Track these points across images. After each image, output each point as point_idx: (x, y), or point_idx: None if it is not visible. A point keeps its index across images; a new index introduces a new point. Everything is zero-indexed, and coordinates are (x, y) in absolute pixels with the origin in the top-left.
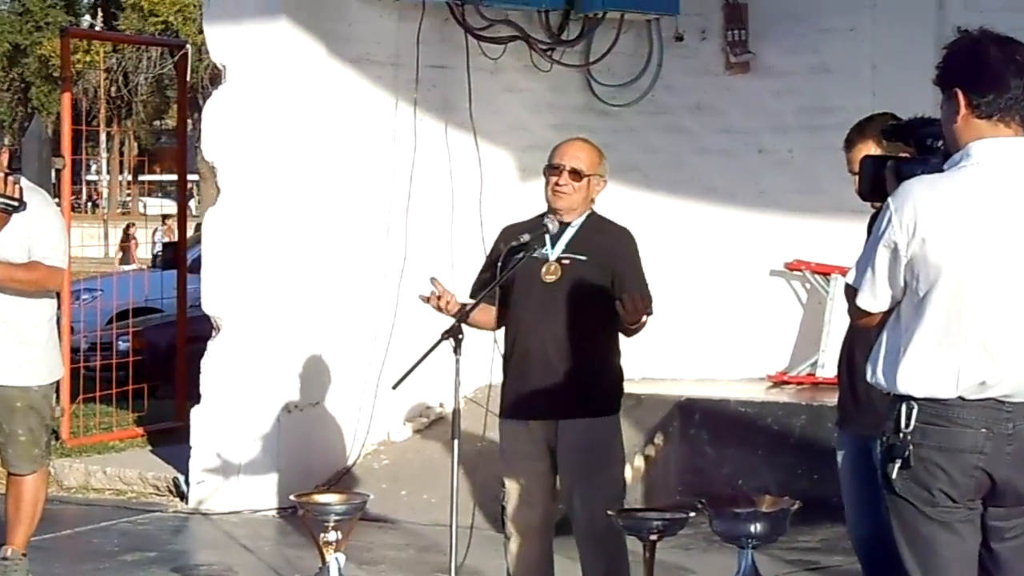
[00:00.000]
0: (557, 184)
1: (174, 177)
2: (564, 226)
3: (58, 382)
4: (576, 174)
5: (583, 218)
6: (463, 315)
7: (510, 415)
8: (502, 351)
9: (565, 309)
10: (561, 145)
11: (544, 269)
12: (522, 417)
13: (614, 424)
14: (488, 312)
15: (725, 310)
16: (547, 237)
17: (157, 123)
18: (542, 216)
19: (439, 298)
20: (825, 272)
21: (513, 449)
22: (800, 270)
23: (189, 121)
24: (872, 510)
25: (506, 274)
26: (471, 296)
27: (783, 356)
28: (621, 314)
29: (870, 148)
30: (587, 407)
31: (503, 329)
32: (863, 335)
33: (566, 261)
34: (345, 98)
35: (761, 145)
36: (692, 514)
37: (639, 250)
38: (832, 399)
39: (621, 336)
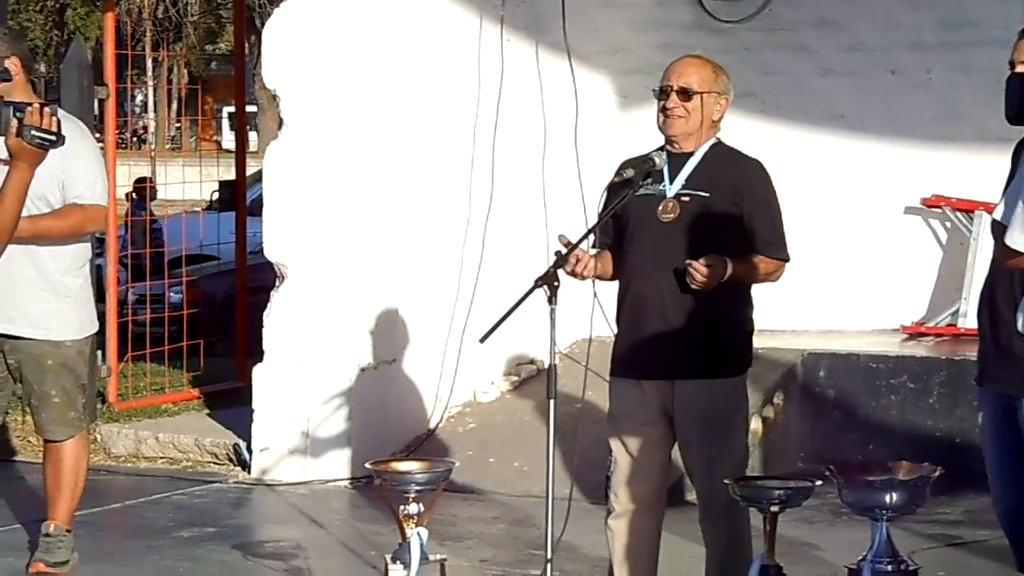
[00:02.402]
0: (665, 108)
1: (230, 108)
2: (684, 157)
3: (100, 339)
4: (685, 93)
5: (706, 147)
6: (559, 261)
7: (621, 373)
8: (605, 301)
9: (685, 252)
10: (670, 65)
11: (661, 207)
12: (634, 376)
13: (739, 387)
14: (605, 260)
15: (854, 253)
16: (664, 171)
17: (210, 47)
18: (660, 148)
19: (575, 260)
20: (968, 208)
21: (623, 412)
22: (939, 206)
23: (247, 44)
24: (1018, 478)
25: (606, 215)
26: (594, 244)
27: (920, 304)
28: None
29: None
30: (708, 367)
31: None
32: (1005, 278)
33: (686, 198)
34: (423, 16)
35: (894, 65)
36: (818, 483)
37: (774, 186)
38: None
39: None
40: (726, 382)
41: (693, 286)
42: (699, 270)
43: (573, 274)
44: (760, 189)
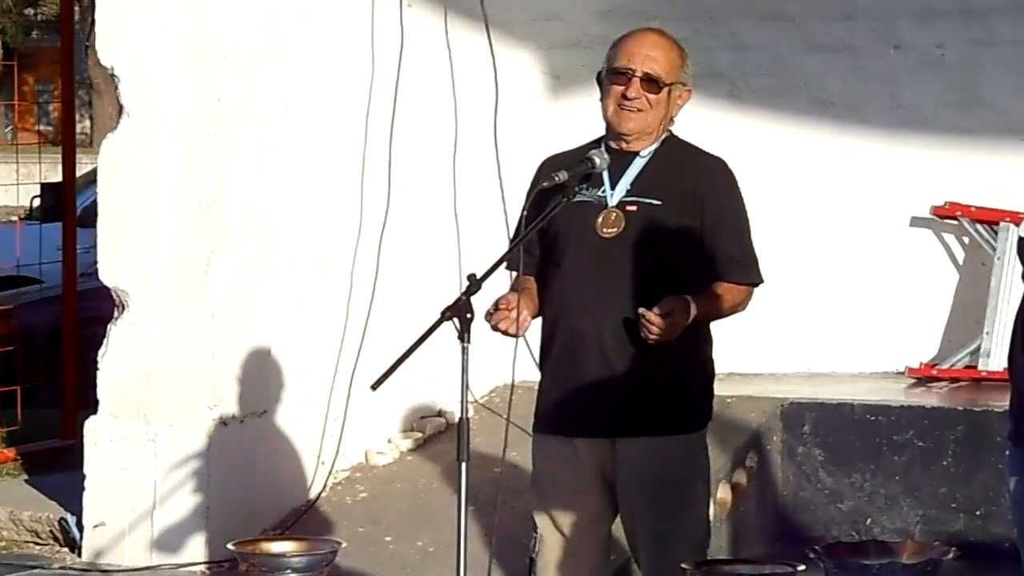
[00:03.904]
0: (625, 97)
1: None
2: (630, 156)
3: None
4: (653, 83)
5: (656, 144)
6: (473, 287)
7: (548, 429)
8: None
9: (631, 277)
10: (627, 41)
11: (601, 219)
12: (565, 433)
13: (698, 446)
14: (530, 296)
15: (848, 277)
16: (604, 173)
17: (29, 11)
18: (597, 142)
19: (504, 311)
20: (991, 220)
21: (551, 478)
22: (955, 217)
23: (76, 8)
24: None
25: (531, 229)
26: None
27: (931, 341)
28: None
29: None
30: (660, 421)
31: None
32: None
33: (632, 207)
34: None
35: (898, 38)
36: (800, 568)
37: (741, 192)
38: (1002, 401)
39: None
40: (682, 440)
41: (650, 341)
42: (653, 322)
43: (500, 331)
44: (725, 196)
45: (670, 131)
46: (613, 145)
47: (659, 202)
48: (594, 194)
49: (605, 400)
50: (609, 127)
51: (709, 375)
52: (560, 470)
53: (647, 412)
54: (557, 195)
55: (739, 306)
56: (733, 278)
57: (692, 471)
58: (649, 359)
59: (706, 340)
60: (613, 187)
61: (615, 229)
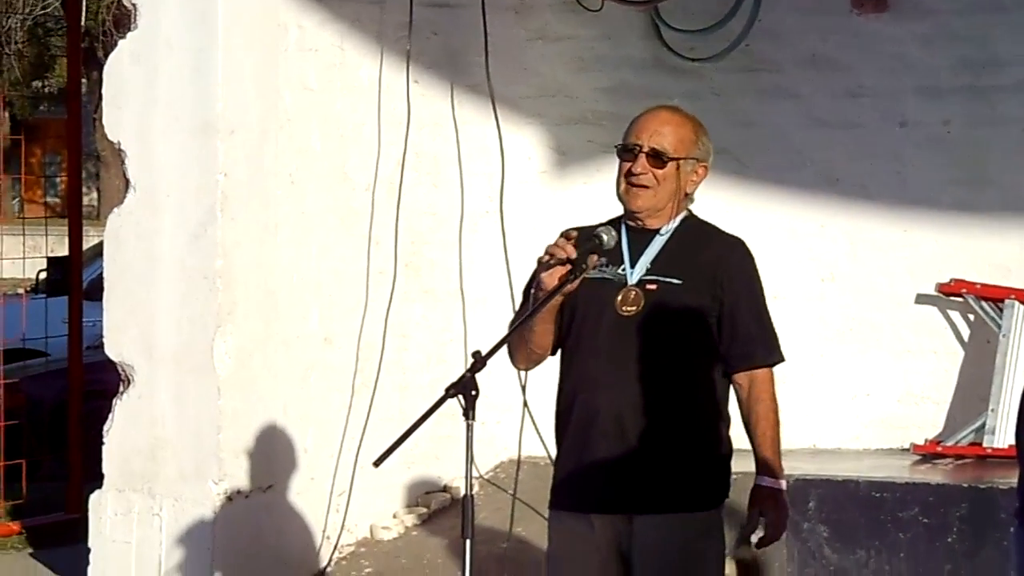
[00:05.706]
0: (631, 173)
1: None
2: (649, 234)
3: None
4: (657, 157)
5: (676, 222)
6: (479, 364)
7: (564, 505)
8: (537, 413)
9: (649, 355)
10: (639, 118)
11: (620, 297)
12: (582, 509)
13: (715, 524)
14: (546, 332)
15: (853, 354)
16: (624, 252)
17: (37, 84)
18: (618, 220)
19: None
20: (996, 297)
21: (566, 555)
22: (960, 295)
23: (84, 82)
24: None
25: (539, 305)
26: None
27: (936, 418)
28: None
29: None
30: (676, 498)
31: (558, 386)
32: None
33: (652, 286)
34: (308, 51)
35: (905, 115)
36: None
37: (758, 270)
38: (1007, 479)
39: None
40: (699, 517)
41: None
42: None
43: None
44: (744, 276)
45: (689, 210)
46: (630, 223)
47: (679, 281)
48: (614, 272)
49: (621, 476)
50: (622, 205)
51: (726, 453)
52: (575, 546)
53: (664, 489)
54: (571, 273)
55: (774, 399)
56: (755, 360)
57: (708, 549)
58: (666, 437)
59: (723, 419)
60: (633, 265)
61: (634, 308)
